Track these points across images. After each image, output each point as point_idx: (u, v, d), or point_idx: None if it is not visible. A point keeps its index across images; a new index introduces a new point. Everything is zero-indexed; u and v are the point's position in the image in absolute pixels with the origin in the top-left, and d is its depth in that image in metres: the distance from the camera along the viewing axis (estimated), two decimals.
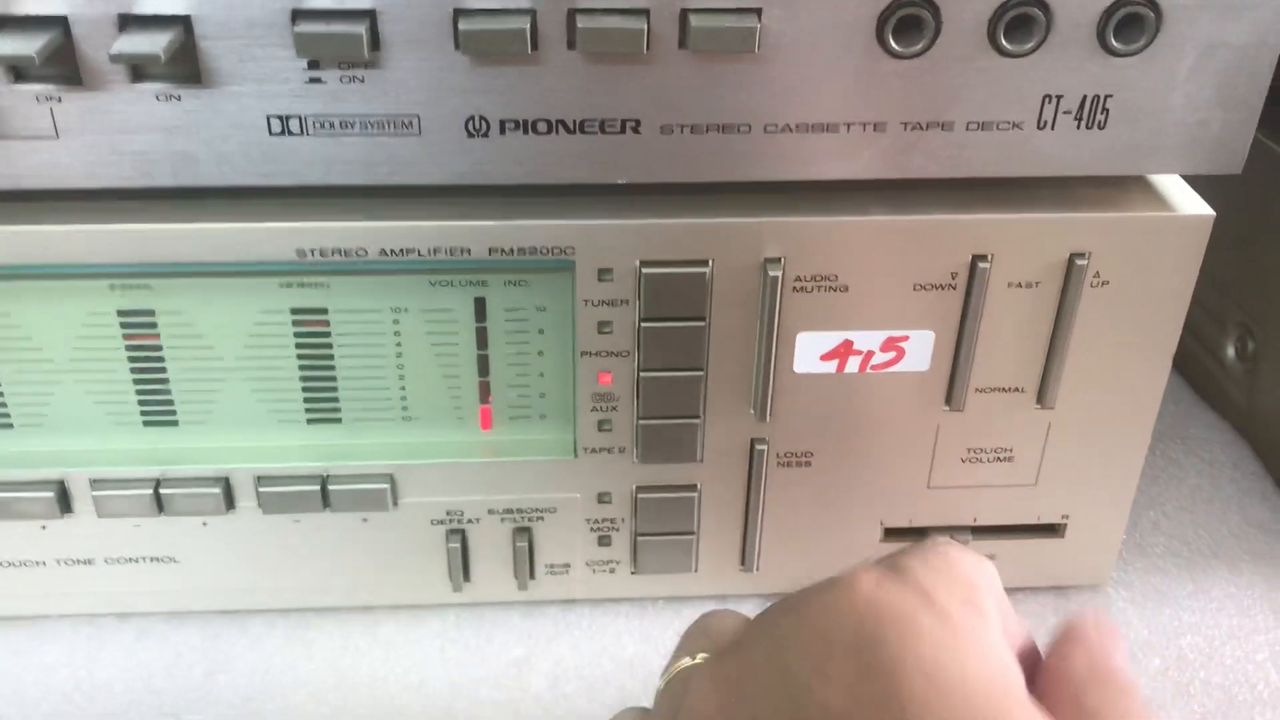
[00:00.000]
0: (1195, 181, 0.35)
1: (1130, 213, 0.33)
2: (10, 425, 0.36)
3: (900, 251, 0.34)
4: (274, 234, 0.33)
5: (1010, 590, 0.41)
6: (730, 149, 0.32)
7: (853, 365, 0.35)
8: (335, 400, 0.36)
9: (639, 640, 0.39)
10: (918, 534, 0.39)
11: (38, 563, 0.38)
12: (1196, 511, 0.44)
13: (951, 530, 0.39)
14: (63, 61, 0.30)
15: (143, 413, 0.36)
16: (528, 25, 0.29)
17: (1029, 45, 0.30)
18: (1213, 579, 0.41)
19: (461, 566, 0.39)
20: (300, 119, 0.31)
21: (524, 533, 0.38)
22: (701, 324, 0.34)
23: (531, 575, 0.39)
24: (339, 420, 0.37)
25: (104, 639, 0.38)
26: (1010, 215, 0.33)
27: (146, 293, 0.34)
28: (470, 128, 0.31)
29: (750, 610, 0.30)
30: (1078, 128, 0.32)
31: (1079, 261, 0.34)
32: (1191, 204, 0.34)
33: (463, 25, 0.29)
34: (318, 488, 0.37)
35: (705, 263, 0.33)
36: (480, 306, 0.35)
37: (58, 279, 0.34)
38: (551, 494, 0.38)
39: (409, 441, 0.37)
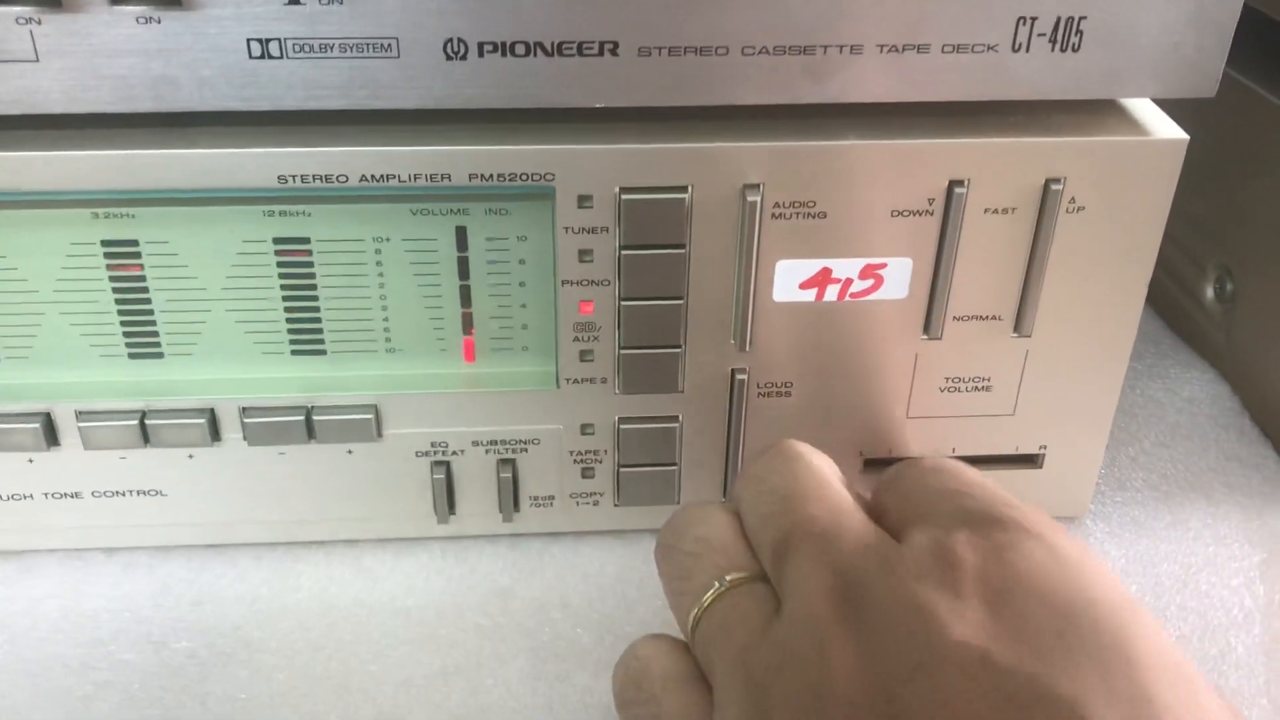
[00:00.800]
0: (1172, 116, 0.35)
1: (1105, 137, 0.34)
2: None
3: (878, 177, 0.34)
4: (255, 159, 0.33)
5: None
6: (709, 72, 0.32)
7: (831, 294, 0.36)
8: (319, 331, 0.37)
9: (622, 568, 0.39)
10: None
11: (25, 496, 0.38)
12: (1175, 447, 0.45)
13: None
14: None
15: (128, 345, 0.36)
16: None
17: None
18: (1190, 510, 0.42)
19: (446, 499, 0.39)
20: (280, 42, 0.31)
21: (508, 464, 0.39)
22: (681, 251, 0.35)
23: (516, 508, 0.40)
24: (323, 352, 0.37)
25: (91, 572, 0.39)
26: (986, 139, 0.34)
27: (130, 222, 0.35)
28: (449, 50, 0.31)
29: None
30: (1052, 50, 0.32)
31: (1054, 186, 0.34)
32: (1165, 128, 0.34)
33: None
34: (303, 419, 0.37)
35: (685, 189, 0.34)
36: (462, 236, 0.35)
37: (41, 207, 0.34)
38: (534, 425, 0.38)
39: (393, 373, 0.37)
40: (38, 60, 0.31)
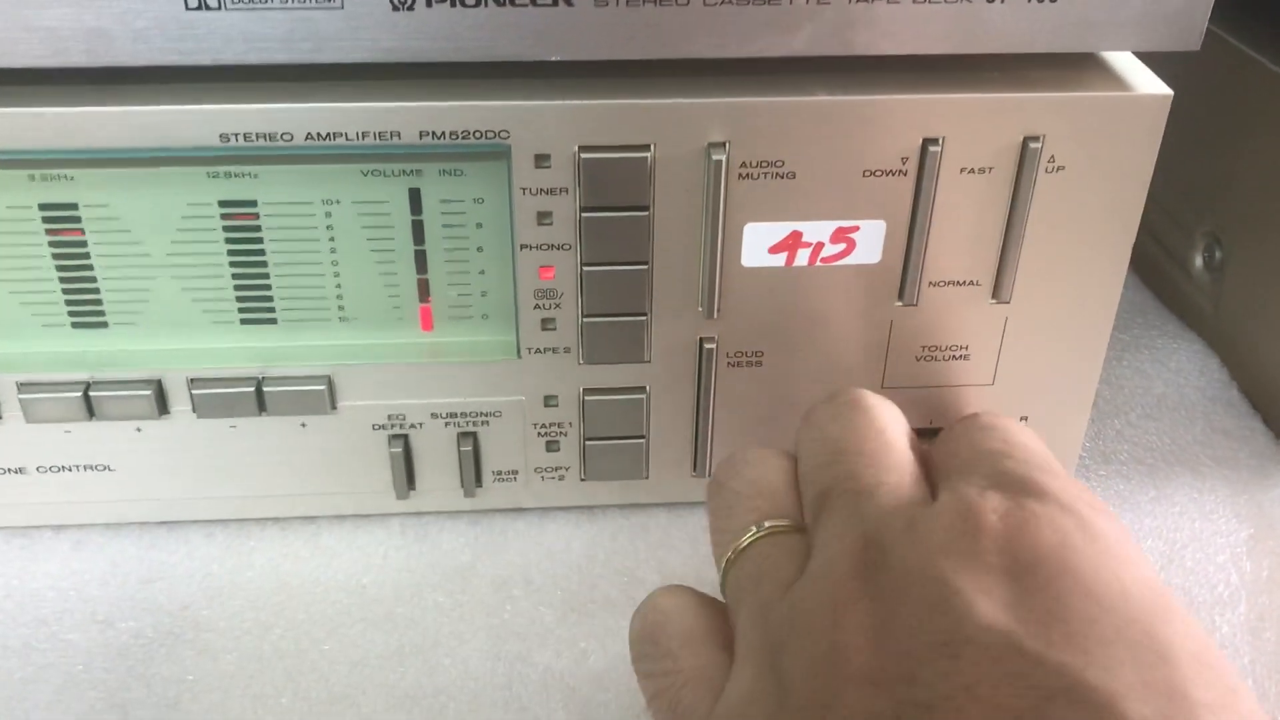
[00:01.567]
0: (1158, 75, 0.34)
1: (1085, 92, 0.32)
2: None
3: (848, 135, 0.32)
4: (196, 116, 0.31)
5: None
6: (668, 23, 0.30)
7: (802, 258, 0.34)
8: (269, 299, 0.35)
9: (588, 545, 0.38)
10: None
11: None
12: (1161, 419, 0.43)
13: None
14: None
15: (70, 313, 0.35)
16: None
17: None
18: (1176, 484, 0.40)
19: (405, 473, 0.38)
20: None
21: (469, 437, 0.37)
22: (644, 214, 0.33)
23: (479, 482, 0.38)
24: (274, 321, 0.36)
25: (38, 550, 0.37)
26: (961, 95, 0.32)
27: (68, 185, 0.33)
28: (395, 0, 0.30)
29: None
30: (1029, 0, 0.31)
31: (1033, 144, 0.33)
32: (1149, 83, 0.33)
33: None
34: (253, 390, 0.35)
35: (647, 147, 0.32)
36: (415, 198, 0.34)
37: None
38: (495, 397, 0.37)
39: (347, 343, 0.36)
40: None
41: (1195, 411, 0.43)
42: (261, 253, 0.34)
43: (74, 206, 0.33)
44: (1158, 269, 0.50)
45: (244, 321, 0.36)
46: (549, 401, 0.37)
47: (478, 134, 0.32)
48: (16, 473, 0.37)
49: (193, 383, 0.35)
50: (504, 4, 0.30)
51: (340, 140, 0.32)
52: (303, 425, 0.37)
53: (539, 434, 0.38)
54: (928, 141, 0.33)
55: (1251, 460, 0.41)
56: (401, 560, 0.37)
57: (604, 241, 0.34)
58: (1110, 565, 0.24)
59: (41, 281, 0.34)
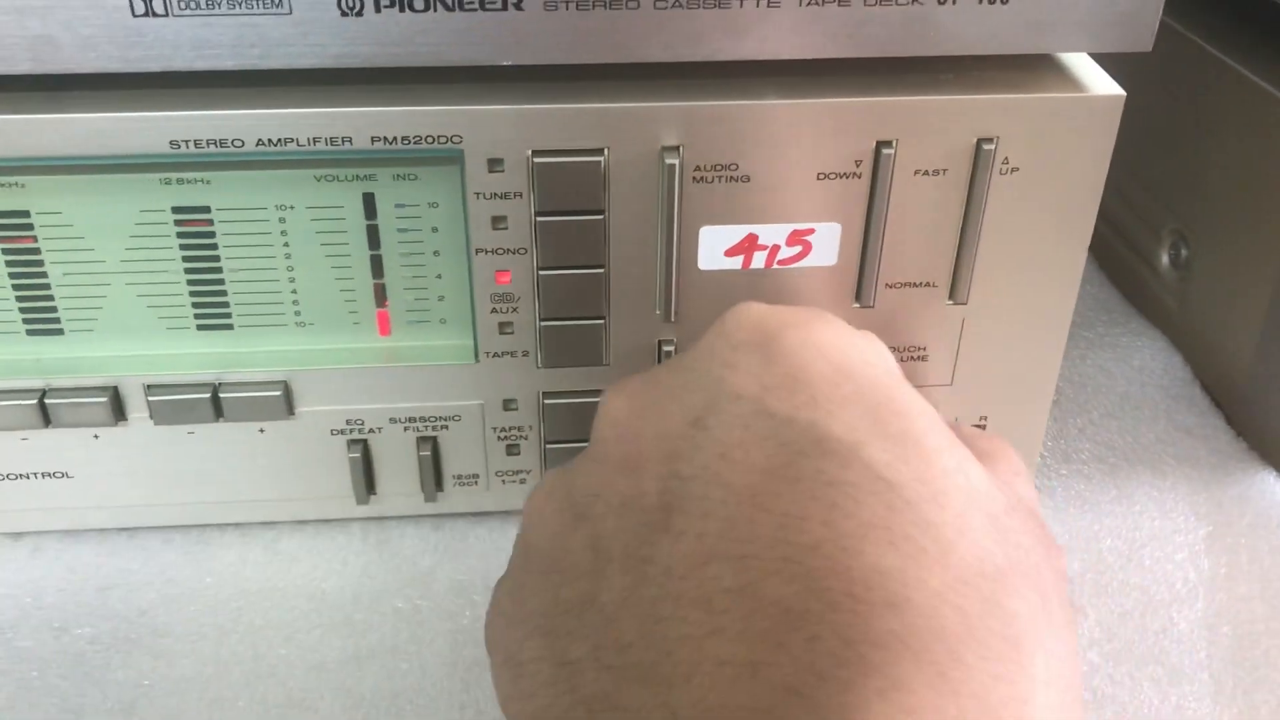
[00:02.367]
0: (1123, 80, 0.34)
1: (1038, 94, 0.32)
2: None
3: (801, 137, 0.32)
4: (146, 123, 0.31)
5: None
6: (619, 27, 0.30)
7: (758, 261, 0.34)
8: (225, 305, 0.35)
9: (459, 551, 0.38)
10: None
11: None
12: (1124, 418, 0.43)
13: None
14: None
15: (25, 320, 0.35)
16: None
17: None
18: (1136, 483, 0.40)
19: (365, 478, 0.37)
20: None
21: (428, 442, 0.37)
22: (599, 217, 0.33)
23: (440, 487, 0.38)
24: (230, 327, 0.35)
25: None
26: (913, 97, 0.32)
27: (20, 192, 0.33)
28: (344, 6, 0.30)
29: None
30: (980, 2, 0.31)
31: (986, 146, 0.33)
32: (1102, 84, 0.33)
33: None
34: (209, 396, 0.35)
35: (600, 151, 0.32)
36: (370, 203, 0.34)
37: None
38: (454, 401, 0.37)
39: (304, 348, 0.36)
40: None
41: (1158, 410, 0.44)
42: (216, 259, 0.34)
43: (26, 214, 0.33)
44: (1124, 266, 0.51)
45: (200, 328, 0.35)
46: (509, 405, 0.37)
47: (430, 139, 0.32)
48: None
49: (149, 389, 0.35)
50: (453, 9, 0.30)
51: (292, 146, 0.32)
52: (261, 431, 0.37)
53: (499, 438, 0.38)
54: (881, 144, 0.33)
55: (1212, 458, 0.41)
56: (361, 565, 0.37)
57: (559, 245, 0.34)
58: (853, 341, 0.27)
59: None
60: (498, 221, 0.33)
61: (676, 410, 0.26)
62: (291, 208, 0.34)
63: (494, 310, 0.35)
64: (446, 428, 0.37)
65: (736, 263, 0.34)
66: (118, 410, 0.36)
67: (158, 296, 0.35)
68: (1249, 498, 0.40)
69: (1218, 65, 0.43)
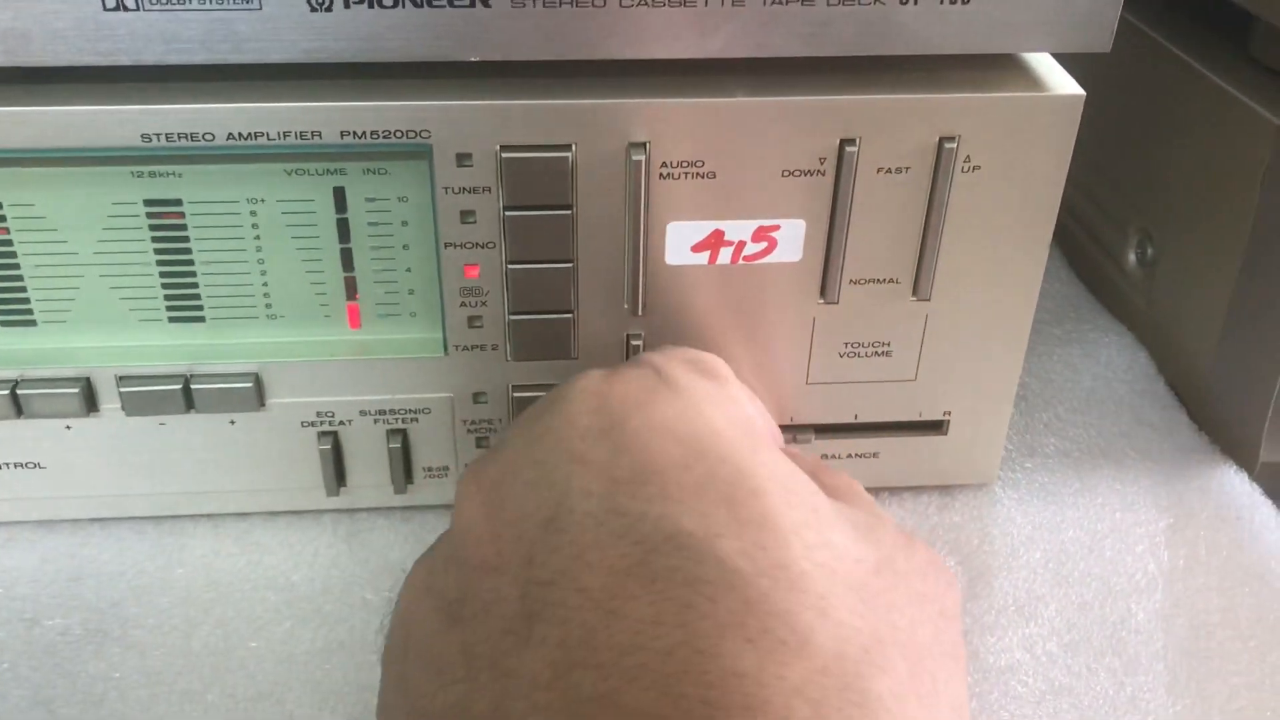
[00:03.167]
0: (1092, 80, 0.34)
1: (999, 93, 0.33)
2: None
3: (766, 135, 0.33)
4: (117, 116, 0.31)
5: (896, 489, 0.41)
6: (586, 24, 0.31)
7: (725, 256, 0.35)
8: (197, 297, 0.35)
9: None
10: (799, 431, 0.39)
11: None
12: (1089, 413, 0.44)
13: (833, 428, 0.39)
14: None
15: None
16: None
17: None
18: (1099, 476, 0.41)
19: (335, 470, 0.38)
20: None
21: (398, 434, 0.38)
22: (567, 213, 0.34)
23: (410, 479, 0.39)
24: (201, 319, 0.36)
25: None
26: (876, 96, 0.33)
27: None
28: (313, 1, 0.30)
29: None
30: (942, 2, 0.31)
31: (948, 145, 0.33)
32: (1063, 83, 0.33)
33: None
34: (180, 387, 0.36)
35: (568, 147, 0.33)
36: (340, 197, 0.34)
37: None
38: (424, 394, 0.37)
39: (275, 340, 0.36)
40: None
41: (1122, 405, 0.44)
42: (188, 251, 0.35)
43: None
44: (1092, 264, 0.51)
45: (172, 319, 0.36)
46: (478, 398, 0.37)
47: (398, 134, 0.32)
48: None
49: (121, 380, 0.36)
50: (421, 5, 0.30)
51: (262, 140, 0.32)
52: (232, 423, 0.37)
53: (469, 430, 0.38)
54: (845, 142, 0.33)
55: (1174, 453, 0.42)
56: (331, 557, 0.37)
57: (528, 240, 0.34)
58: (700, 409, 0.26)
59: None
60: (466, 216, 0.34)
61: (531, 509, 0.25)
62: (262, 201, 0.34)
63: (463, 304, 0.35)
64: (416, 420, 0.37)
65: (703, 258, 0.35)
66: (90, 401, 0.36)
67: (130, 288, 0.35)
68: (1209, 490, 0.40)
69: (1179, 64, 0.43)
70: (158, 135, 0.32)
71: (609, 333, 0.36)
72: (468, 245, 0.34)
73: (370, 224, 0.35)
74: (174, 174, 0.33)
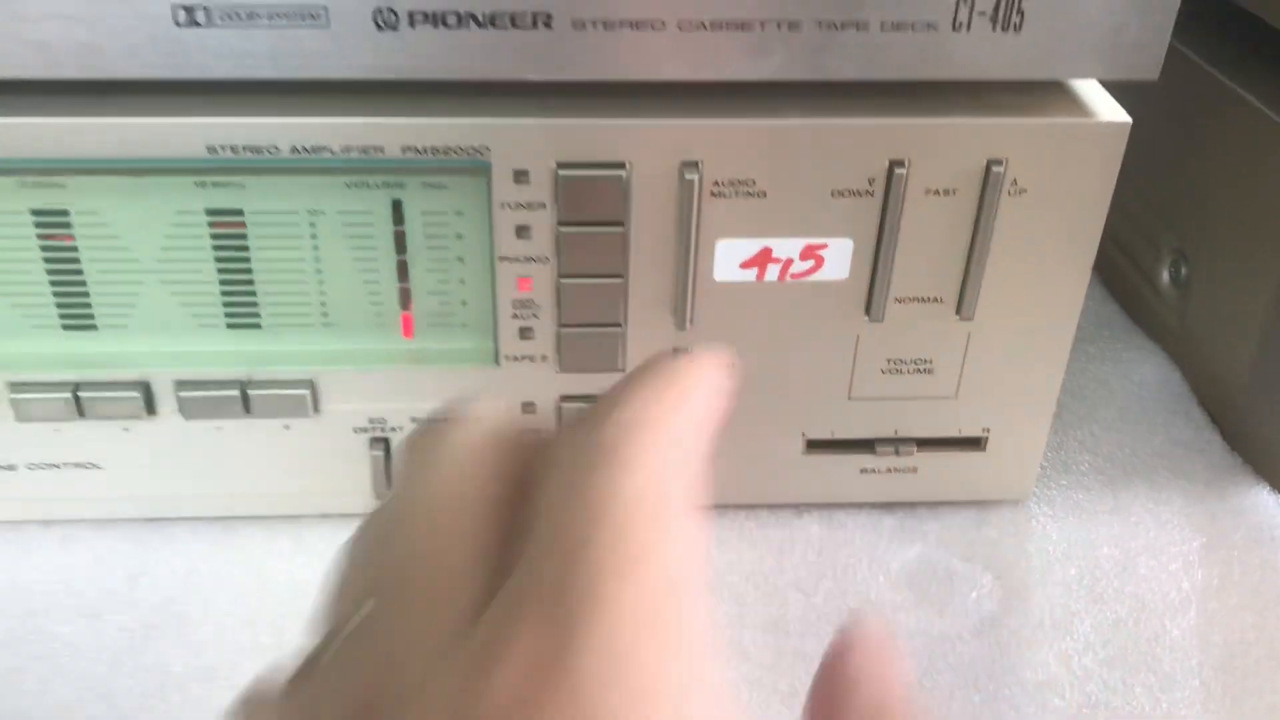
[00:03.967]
0: (1129, 101, 0.35)
1: (1047, 118, 0.33)
2: None
3: (817, 156, 0.33)
4: (185, 129, 0.32)
5: (933, 504, 0.42)
6: (644, 46, 0.31)
7: (772, 273, 0.36)
8: (254, 305, 0.36)
9: None
10: (840, 446, 0.39)
11: None
12: (1123, 431, 0.44)
13: (872, 442, 0.39)
14: None
15: (61, 316, 0.36)
16: None
17: None
18: (1133, 495, 0.42)
19: (385, 475, 0.39)
20: (206, 10, 0.30)
21: None
22: (620, 229, 0.34)
23: None
24: (258, 326, 0.37)
25: (28, 544, 0.38)
26: (926, 120, 0.33)
27: (60, 192, 0.34)
28: (379, 20, 0.31)
29: None
30: (993, 30, 0.32)
31: (996, 168, 0.34)
32: (1109, 110, 0.34)
33: None
34: (238, 393, 0.36)
35: (622, 165, 0.33)
36: (398, 209, 0.35)
37: None
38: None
39: (330, 348, 0.37)
40: None
41: (1155, 424, 0.45)
42: (247, 260, 0.35)
43: (65, 213, 0.34)
44: (1126, 283, 0.52)
45: (230, 326, 0.37)
46: (527, 408, 0.38)
47: (458, 150, 0.33)
48: (6, 469, 0.38)
49: (180, 385, 0.36)
50: (485, 25, 0.31)
51: (325, 154, 0.33)
52: (286, 427, 0.38)
53: None
54: (894, 164, 0.34)
55: (1207, 472, 0.43)
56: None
57: (581, 255, 0.35)
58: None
59: (32, 284, 0.35)
60: (521, 231, 0.34)
61: None
62: (322, 212, 0.35)
63: (515, 315, 0.36)
64: None
65: (751, 275, 0.36)
66: (149, 404, 0.37)
67: (190, 295, 0.36)
68: (1243, 511, 0.41)
69: (1220, 89, 0.44)
70: (223, 147, 0.33)
71: (656, 345, 0.37)
72: (522, 259, 0.35)
73: (426, 236, 0.35)
74: (237, 185, 0.34)
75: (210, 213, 0.35)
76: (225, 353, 0.37)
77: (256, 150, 0.33)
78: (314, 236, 0.35)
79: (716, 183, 0.34)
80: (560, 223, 0.34)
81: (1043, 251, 0.36)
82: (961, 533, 0.40)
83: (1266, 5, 0.42)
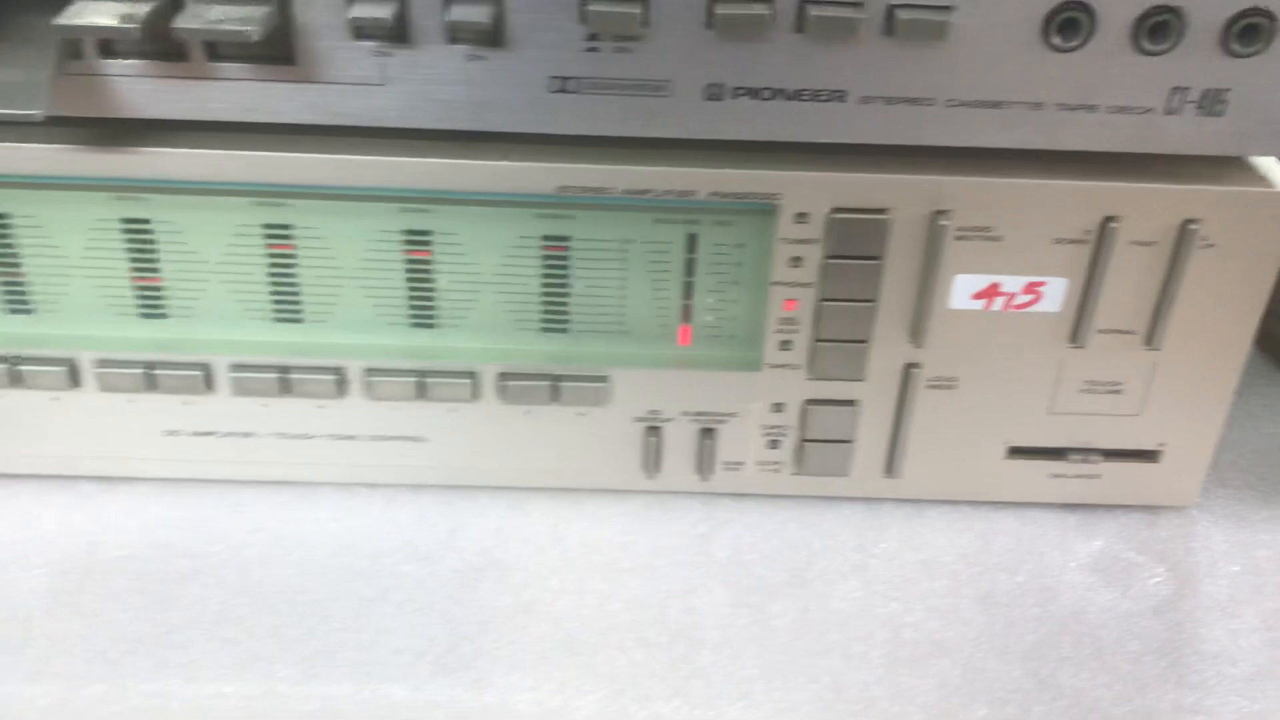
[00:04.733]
0: None
1: (1238, 187, 0.41)
2: (300, 320, 0.45)
3: (1047, 209, 0.41)
4: (539, 171, 0.41)
5: (1109, 506, 0.48)
6: (917, 117, 0.39)
7: (997, 304, 0.43)
8: (566, 312, 0.44)
9: (800, 527, 0.47)
10: (1038, 453, 0.47)
11: (308, 436, 0.46)
12: (1271, 455, 0.51)
13: (1064, 451, 0.47)
14: (396, 24, 0.38)
15: (410, 315, 0.44)
16: (767, 11, 0.37)
17: (1165, 45, 0.38)
18: None
19: (655, 459, 0.47)
20: (576, 79, 0.39)
21: (709, 433, 0.46)
22: (878, 262, 0.42)
23: (711, 470, 0.47)
24: (566, 330, 0.45)
25: (359, 502, 0.47)
26: (1137, 184, 0.41)
27: (426, 215, 0.42)
28: (709, 93, 0.39)
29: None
30: (1198, 114, 0.39)
31: (1191, 226, 0.41)
32: None
33: (717, 9, 0.37)
34: (549, 385, 0.45)
35: (885, 210, 0.41)
36: (692, 241, 0.43)
37: (354, 201, 0.42)
38: (736, 402, 0.46)
39: (622, 350, 0.45)
40: (383, 85, 0.39)
41: None
42: (567, 276, 0.44)
43: (429, 232, 0.43)
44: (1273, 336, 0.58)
45: (543, 329, 0.45)
46: (777, 408, 0.46)
47: (754, 195, 0.41)
48: (346, 439, 0.47)
49: (501, 376, 0.45)
50: (792, 98, 0.39)
51: (648, 195, 0.41)
52: (580, 414, 0.46)
53: (764, 434, 0.46)
54: (1108, 219, 0.41)
55: None
56: (651, 527, 0.46)
57: (842, 282, 0.43)
58: None
59: (393, 288, 0.44)
60: (794, 261, 0.42)
61: None
62: (633, 241, 0.43)
63: (779, 330, 0.44)
64: (725, 422, 0.46)
65: (980, 304, 0.43)
66: (476, 391, 0.45)
67: (517, 303, 0.44)
68: None
69: None
70: (569, 188, 0.41)
71: (893, 360, 0.44)
72: (792, 284, 0.43)
73: (711, 263, 0.43)
74: (569, 216, 0.43)
75: (545, 239, 0.43)
76: (539, 351, 0.45)
77: (596, 191, 0.41)
78: (623, 260, 0.43)
79: (961, 228, 0.41)
80: (828, 256, 0.42)
81: (1223, 295, 0.43)
82: (1135, 531, 0.47)
83: None
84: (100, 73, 0.39)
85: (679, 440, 0.47)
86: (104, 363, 0.45)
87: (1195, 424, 0.46)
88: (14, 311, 0.44)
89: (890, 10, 0.37)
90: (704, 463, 0.47)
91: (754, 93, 0.39)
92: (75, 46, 0.38)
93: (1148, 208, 0.41)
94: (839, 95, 0.39)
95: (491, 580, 0.43)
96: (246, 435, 0.47)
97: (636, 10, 0.37)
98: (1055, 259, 0.42)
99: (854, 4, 0.37)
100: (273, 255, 0.43)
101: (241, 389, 0.45)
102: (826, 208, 0.41)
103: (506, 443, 0.47)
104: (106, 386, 0.45)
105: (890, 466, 0.47)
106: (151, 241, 0.43)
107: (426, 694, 0.39)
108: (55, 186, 0.42)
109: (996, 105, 0.39)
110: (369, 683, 0.39)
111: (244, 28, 0.36)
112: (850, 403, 0.46)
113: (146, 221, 0.42)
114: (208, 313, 0.44)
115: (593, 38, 0.38)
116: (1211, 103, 0.39)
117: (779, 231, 0.42)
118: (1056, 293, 0.43)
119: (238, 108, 0.39)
